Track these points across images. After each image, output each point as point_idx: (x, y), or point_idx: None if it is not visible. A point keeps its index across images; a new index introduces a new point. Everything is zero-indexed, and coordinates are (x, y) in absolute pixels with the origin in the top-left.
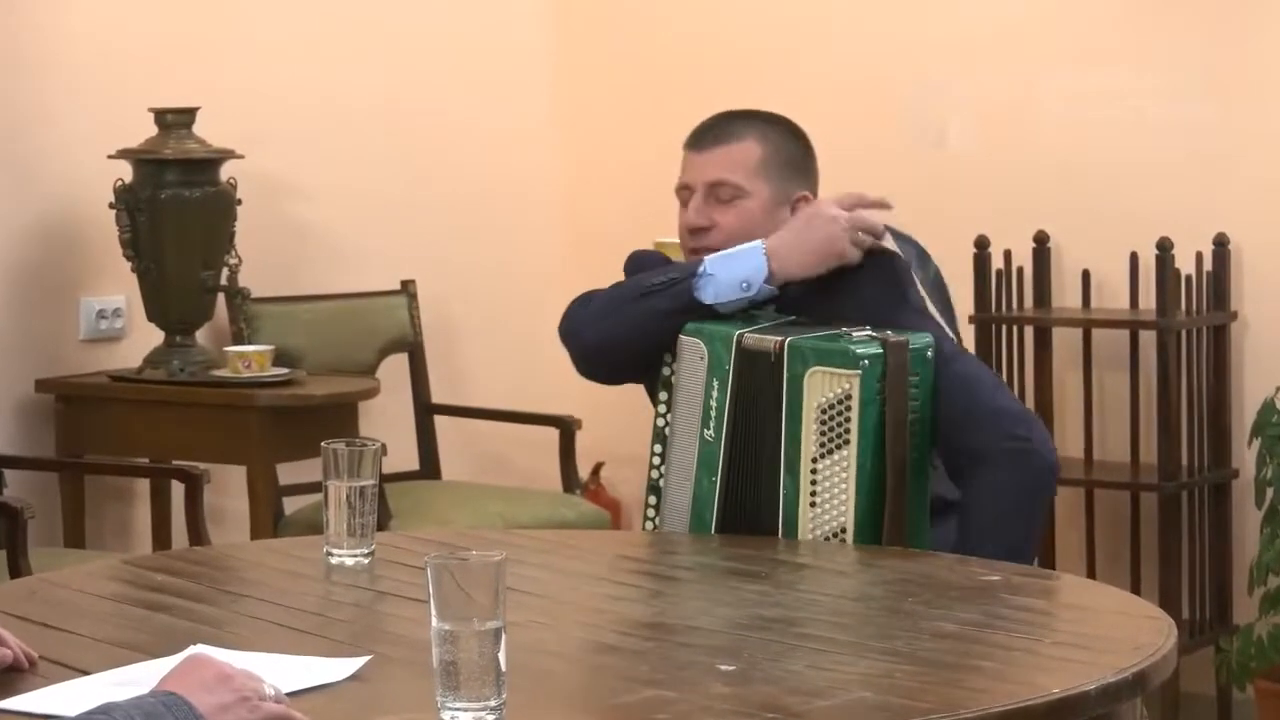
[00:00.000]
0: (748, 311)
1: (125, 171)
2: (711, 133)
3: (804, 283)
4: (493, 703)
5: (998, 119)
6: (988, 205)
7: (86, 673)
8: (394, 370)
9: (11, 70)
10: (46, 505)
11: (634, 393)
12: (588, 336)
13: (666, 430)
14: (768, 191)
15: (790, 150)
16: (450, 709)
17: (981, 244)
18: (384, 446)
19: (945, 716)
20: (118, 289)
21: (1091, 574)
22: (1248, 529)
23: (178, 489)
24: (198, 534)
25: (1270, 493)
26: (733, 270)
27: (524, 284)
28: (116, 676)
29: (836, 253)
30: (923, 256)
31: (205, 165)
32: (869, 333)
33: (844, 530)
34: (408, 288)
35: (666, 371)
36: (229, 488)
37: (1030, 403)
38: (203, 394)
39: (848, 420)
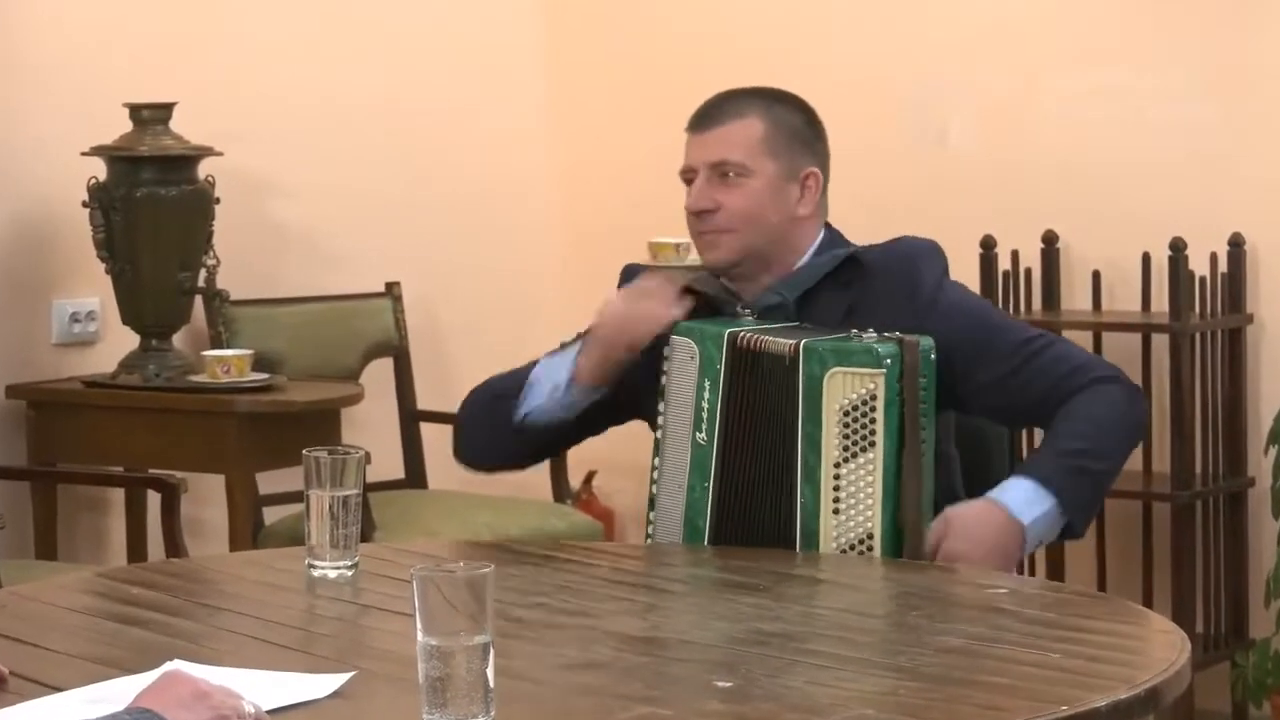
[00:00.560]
0: (734, 315)
1: (99, 169)
2: (712, 112)
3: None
4: None
5: (1004, 115)
6: (994, 204)
7: (59, 689)
8: (378, 375)
9: None
10: (17, 516)
11: None
12: (474, 465)
13: (659, 436)
14: (773, 169)
15: (796, 125)
16: None
17: (988, 244)
18: (368, 455)
19: None
20: (91, 291)
21: (1102, 586)
22: (1264, 540)
23: (154, 499)
24: (174, 545)
25: None
26: (551, 373)
27: (514, 286)
28: (90, 693)
29: (627, 341)
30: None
31: (182, 162)
32: (874, 334)
33: (870, 537)
34: (393, 290)
35: (663, 380)
36: (207, 497)
37: None
38: (179, 400)
39: (872, 422)
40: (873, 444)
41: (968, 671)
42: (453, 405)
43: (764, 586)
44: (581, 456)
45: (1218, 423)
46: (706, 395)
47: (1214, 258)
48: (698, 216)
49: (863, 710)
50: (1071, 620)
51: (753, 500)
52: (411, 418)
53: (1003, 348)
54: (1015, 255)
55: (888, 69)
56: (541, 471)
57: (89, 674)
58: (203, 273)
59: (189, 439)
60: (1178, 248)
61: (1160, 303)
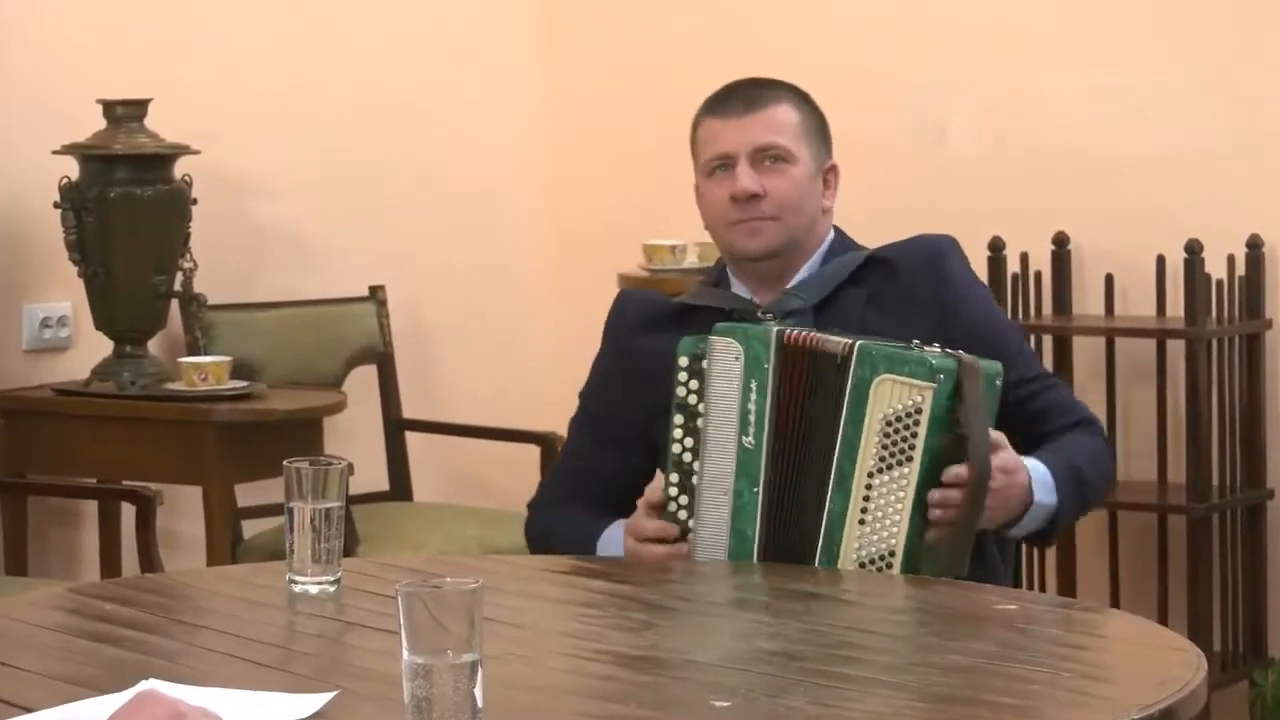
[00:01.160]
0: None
1: (71, 168)
2: (745, 97)
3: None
4: None
5: (1012, 114)
6: (1003, 205)
7: (30, 710)
8: (362, 383)
9: None
10: None
11: None
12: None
13: (684, 456)
14: (809, 158)
15: (818, 119)
16: None
17: (997, 246)
18: (351, 465)
19: None
20: (63, 295)
21: (1115, 602)
22: None
23: (128, 511)
24: (149, 560)
25: None
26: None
27: (503, 290)
28: (63, 714)
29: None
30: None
31: (158, 161)
32: (937, 348)
33: (892, 554)
34: (377, 294)
35: (681, 392)
36: (183, 510)
37: None
38: (155, 409)
39: (914, 436)
40: (910, 459)
41: (975, 690)
42: (439, 413)
43: (765, 603)
44: None
45: (1235, 432)
46: (754, 396)
47: (1231, 260)
48: (745, 202)
49: None
50: (1083, 638)
51: (804, 505)
52: (396, 427)
53: (1014, 372)
54: (1025, 257)
55: (891, 65)
56: (529, 483)
57: (61, 694)
58: (179, 276)
59: (165, 449)
60: (1194, 250)
61: (1175, 307)
